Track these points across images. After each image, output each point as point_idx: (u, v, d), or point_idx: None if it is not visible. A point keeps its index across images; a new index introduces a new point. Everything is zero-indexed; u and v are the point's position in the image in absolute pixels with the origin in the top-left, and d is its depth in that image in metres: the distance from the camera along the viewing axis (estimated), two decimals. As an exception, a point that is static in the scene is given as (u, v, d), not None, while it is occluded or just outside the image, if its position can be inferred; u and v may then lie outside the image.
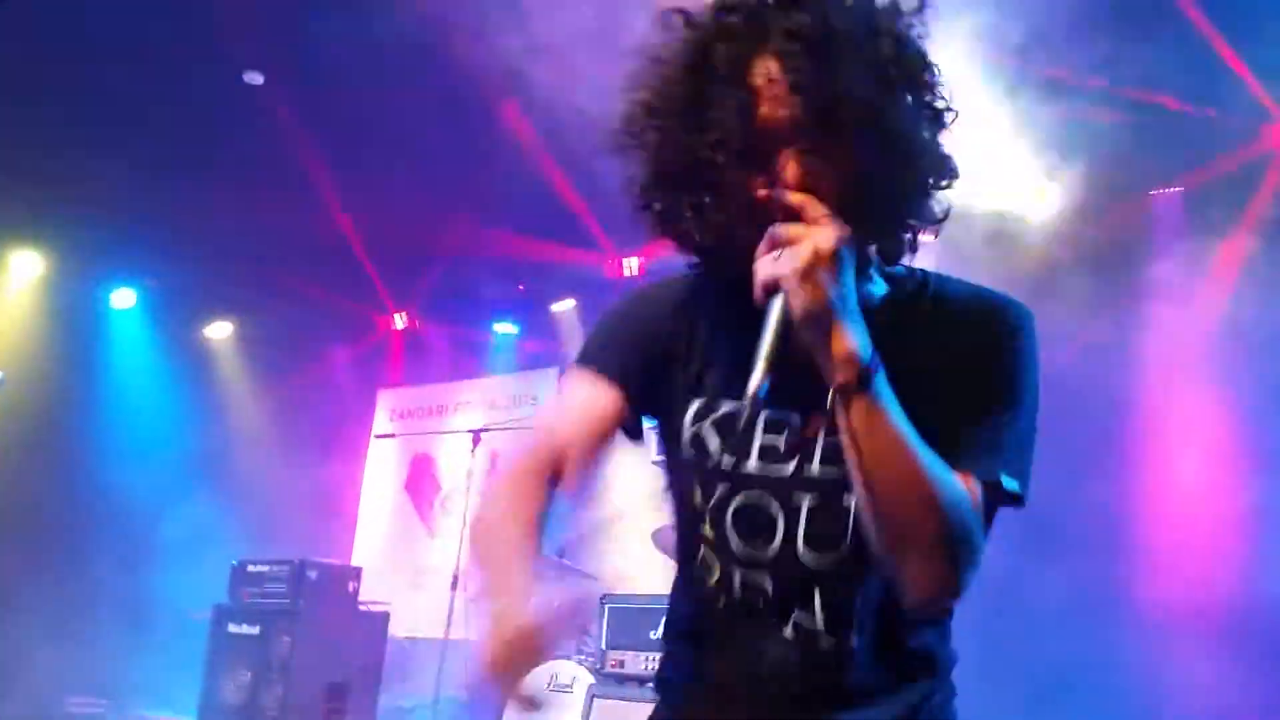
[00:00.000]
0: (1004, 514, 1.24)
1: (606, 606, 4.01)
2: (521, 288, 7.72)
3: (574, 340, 7.37)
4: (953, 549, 1.12)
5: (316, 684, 4.61)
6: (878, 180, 1.14)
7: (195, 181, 6.13)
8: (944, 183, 1.19)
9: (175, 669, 5.85)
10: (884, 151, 1.13)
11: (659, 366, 1.34)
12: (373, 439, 8.37)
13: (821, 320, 1.08)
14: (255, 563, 4.99)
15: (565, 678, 4.89)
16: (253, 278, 7.42)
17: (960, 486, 1.14)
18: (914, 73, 1.16)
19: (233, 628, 4.82)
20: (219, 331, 8.40)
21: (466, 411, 7.83)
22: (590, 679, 4.54)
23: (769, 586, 1.25)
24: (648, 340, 1.36)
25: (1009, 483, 1.18)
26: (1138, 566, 4.50)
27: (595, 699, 3.85)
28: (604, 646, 3.97)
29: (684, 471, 1.33)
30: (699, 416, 1.31)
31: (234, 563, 5.06)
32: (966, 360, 1.21)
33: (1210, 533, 4.44)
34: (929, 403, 1.15)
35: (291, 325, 8.08)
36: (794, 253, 1.07)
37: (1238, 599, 4.21)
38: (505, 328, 7.90)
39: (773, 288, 1.09)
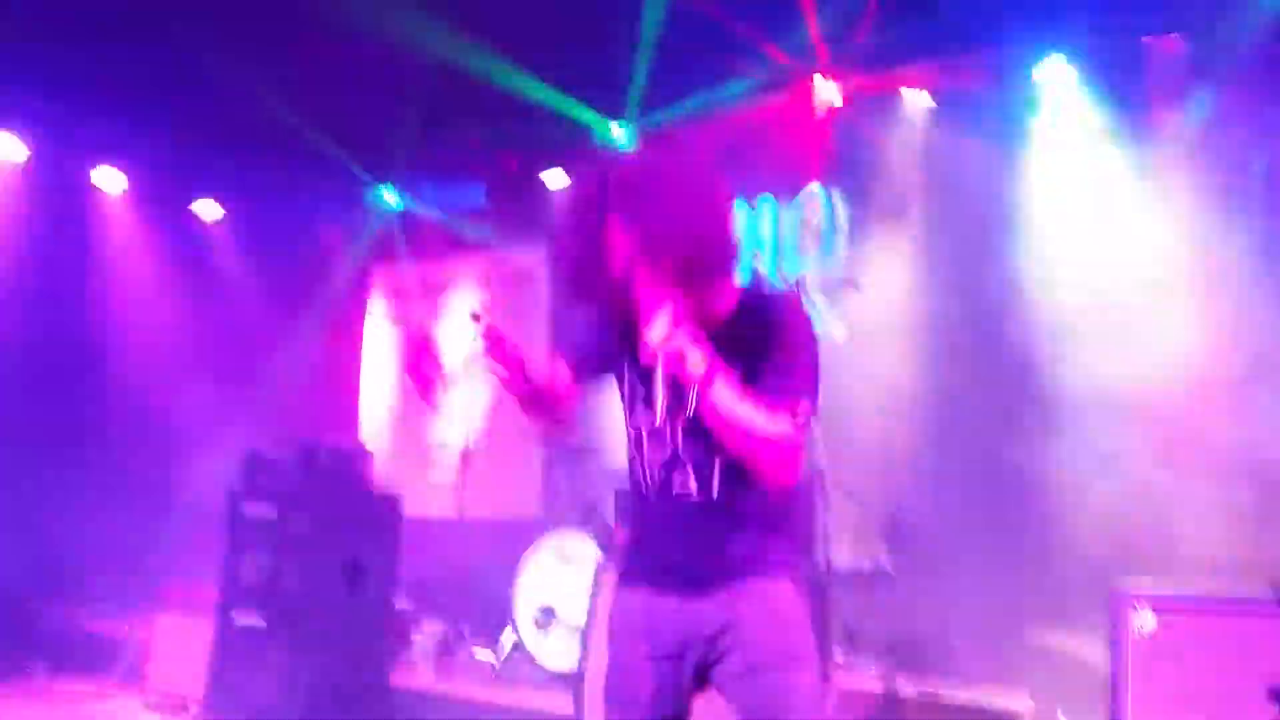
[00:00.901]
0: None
1: (615, 490, 4.14)
2: (513, 164, 7.61)
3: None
4: (774, 454, 2.02)
5: (334, 562, 4.77)
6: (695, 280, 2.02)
7: (177, 53, 5.97)
8: (730, 262, 2.11)
9: (196, 551, 6.05)
10: (695, 270, 2.00)
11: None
12: (371, 318, 8.40)
13: (676, 359, 1.94)
14: (267, 445, 5.10)
15: (573, 552, 5.11)
16: (242, 157, 7.30)
17: (771, 418, 1.99)
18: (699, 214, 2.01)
19: (248, 510, 4.95)
20: (209, 212, 8.30)
21: (462, 290, 7.84)
22: (598, 554, 4.74)
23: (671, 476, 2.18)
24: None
25: (801, 407, 2.02)
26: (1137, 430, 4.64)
27: (605, 572, 4.01)
28: (613, 521, 4.11)
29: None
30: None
31: (246, 449, 5.16)
32: (767, 340, 2.07)
33: (1205, 396, 4.55)
34: (756, 368, 2.03)
35: (283, 203, 7.99)
36: (656, 331, 1.92)
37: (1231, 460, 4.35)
38: (495, 201, 7.80)
39: (654, 349, 1.94)
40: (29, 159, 7.14)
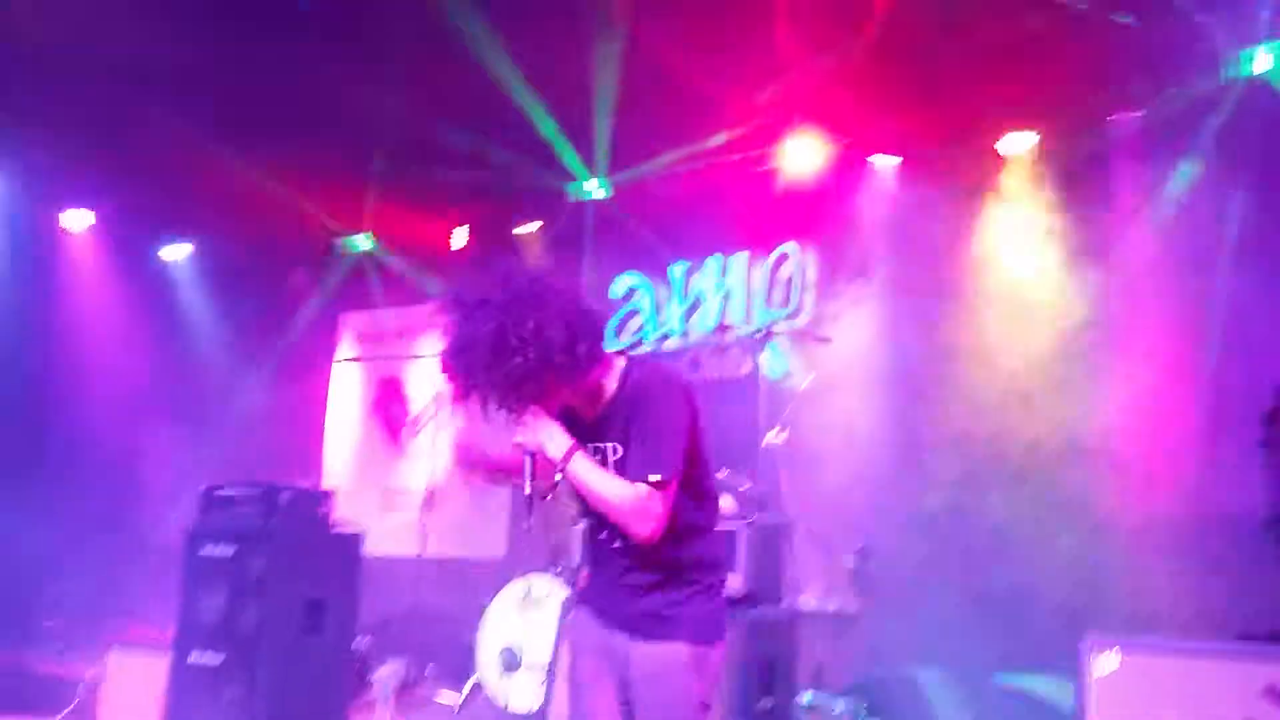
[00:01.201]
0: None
1: (580, 525, 4.13)
2: (483, 211, 7.69)
3: (537, 263, 7.38)
4: (630, 521, 2.33)
5: (294, 602, 4.70)
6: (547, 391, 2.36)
7: (147, 103, 6.01)
8: (580, 363, 2.33)
9: (151, 594, 5.93)
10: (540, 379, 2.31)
11: None
12: (337, 363, 8.37)
13: (539, 451, 2.37)
14: (226, 486, 5.02)
15: (540, 592, 5.09)
16: (210, 199, 7.31)
17: (626, 490, 2.32)
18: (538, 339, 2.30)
19: (206, 550, 4.87)
20: (176, 253, 8.28)
21: (432, 335, 7.84)
22: (564, 593, 4.72)
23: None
24: None
25: (652, 477, 2.31)
26: (1099, 479, 4.73)
27: (570, 612, 3.99)
28: (577, 563, 4.10)
29: None
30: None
31: (203, 487, 5.08)
32: (635, 417, 2.38)
33: (1167, 448, 4.67)
34: (626, 443, 2.38)
35: (250, 247, 7.99)
36: (519, 434, 2.38)
37: (1193, 510, 4.44)
38: (467, 248, 7.86)
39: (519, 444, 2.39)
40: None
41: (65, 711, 5.61)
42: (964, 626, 4.52)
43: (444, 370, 2.35)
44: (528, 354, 2.26)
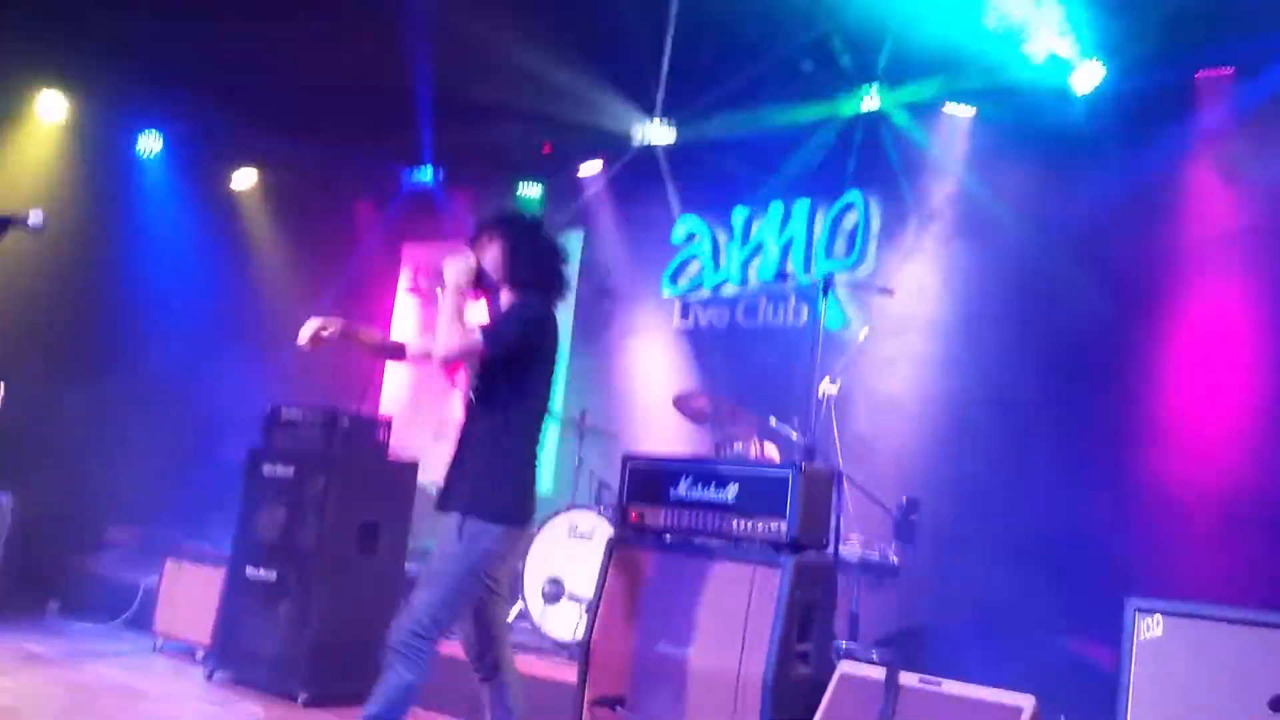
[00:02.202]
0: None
1: (627, 465, 4.17)
2: (548, 150, 7.69)
3: (600, 203, 7.38)
4: (442, 339, 3.12)
5: (350, 524, 4.83)
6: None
7: (223, 23, 6.08)
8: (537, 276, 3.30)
9: (213, 509, 6.14)
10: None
11: None
12: (400, 293, 8.49)
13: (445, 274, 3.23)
14: (289, 408, 5.16)
15: (585, 527, 5.17)
16: (279, 126, 7.40)
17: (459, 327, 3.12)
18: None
19: (267, 469, 5.02)
20: (245, 179, 8.42)
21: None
22: (609, 530, 4.79)
23: None
24: None
25: (481, 333, 3.12)
26: (1154, 441, 4.65)
27: (614, 548, 4.05)
28: (624, 501, 4.14)
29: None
30: None
31: (267, 409, 5.22)
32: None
33: (1224, 412, 4.57)
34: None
35: (317, 176, 8.09)
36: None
37: (1249, 477, 4.36)
38: (530, 189, 7.89)
39: None
40: (70, 118, 7.26)
41: (124, 615, 5.89)
42: (1007, 584, 4.51)
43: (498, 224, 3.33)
44: (525, 261, 3.28)
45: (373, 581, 4.89)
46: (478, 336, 3.13)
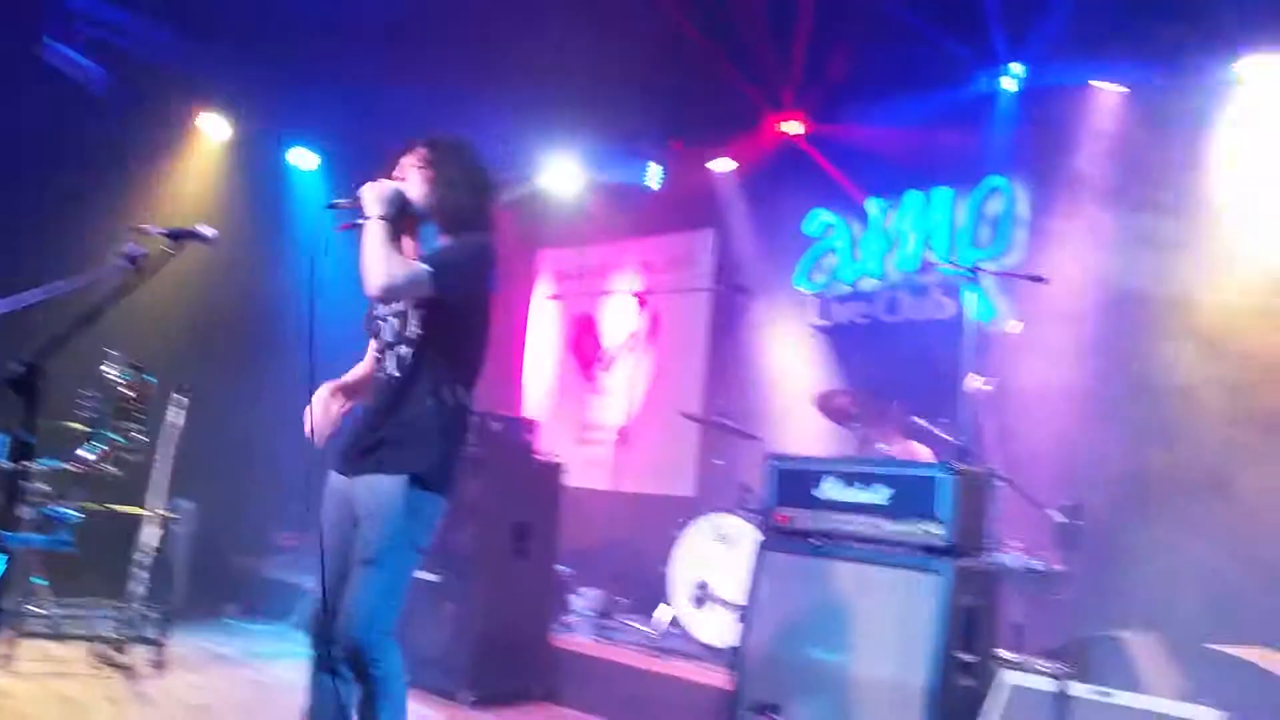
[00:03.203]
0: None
1: (773, 466, 4.15)
2: (678, 146, 7.70)
3: (731, 200, 7.36)
4: (372, 261, 2.69)
5: (502, 526, 4.98)
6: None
7: (367, 46, 6.32)
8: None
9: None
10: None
11: None
12: (535, 300, 8.67)
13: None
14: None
15: (730, 530, 5.17)
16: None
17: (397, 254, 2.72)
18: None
19: (424, 473, 5.21)
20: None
21: (625, 273, 8.00)
22: (754, 533, 4.78)
23: None
24: None
25: (429, 266, 2.71)
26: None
27: (763, 552, 4.04)
28: (770, 504, 4.13)
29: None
30: None
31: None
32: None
33: None
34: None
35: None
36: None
37: None
38: (660, 186, 7.91)
39: None
40: (232, 137, 7.67)
41: (296, 616, 6.21)
42: (1177, 591, 4.29)
43: (424, 146, 2.90)
44: (464, 194, 2.86)
45: (528, 581, 5.02)
46: (422, 270, 2.68)
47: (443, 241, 2.87)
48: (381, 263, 2.65)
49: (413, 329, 2.79)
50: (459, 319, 2.79)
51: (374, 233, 2.69)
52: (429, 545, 2.77)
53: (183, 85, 7.13)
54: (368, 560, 2.64)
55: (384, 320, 2.88)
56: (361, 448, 2.77)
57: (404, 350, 2.81)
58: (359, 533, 2.70)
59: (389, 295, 2.71)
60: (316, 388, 2.88)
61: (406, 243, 2.88)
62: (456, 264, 2.75)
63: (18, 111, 6.32)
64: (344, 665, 2.60)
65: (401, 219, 2.81)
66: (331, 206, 2.88)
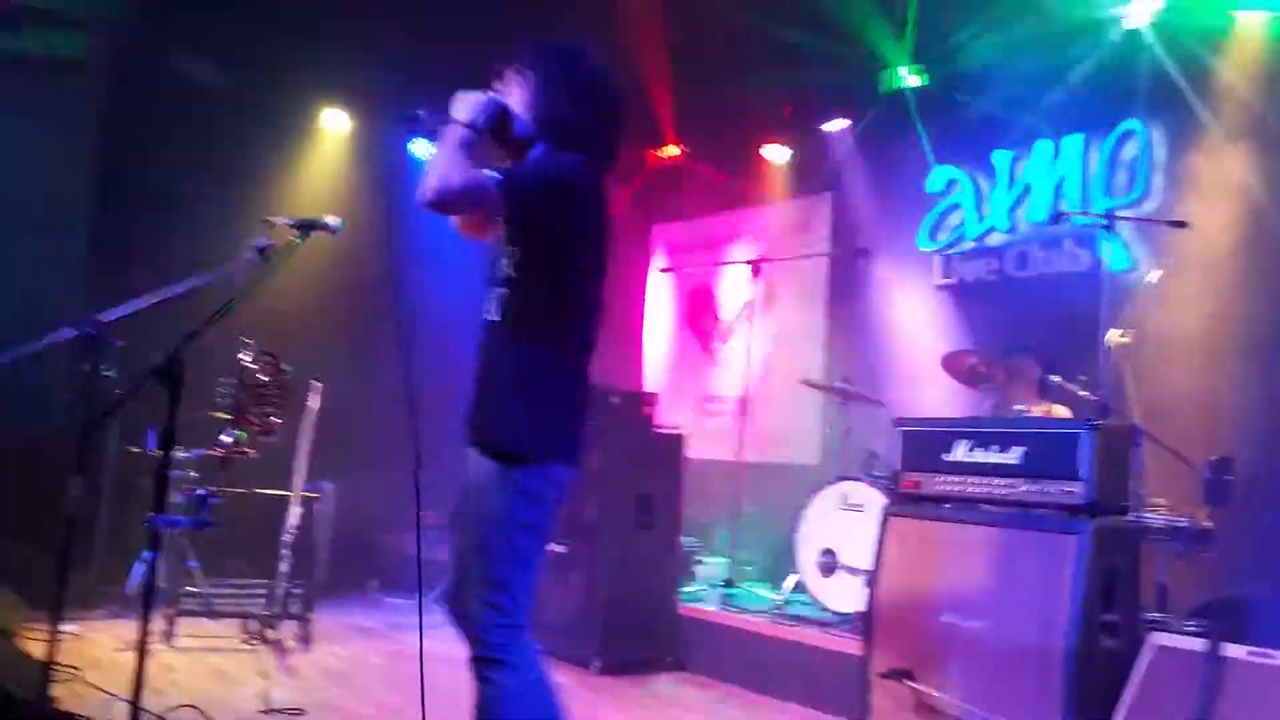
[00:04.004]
0: None
1: (900, 431, 4.04)
2: (789, 111, 7.55)
3: (849, 160, 7.18)
4: (437, 164, 2.27)
5: (626, 497, 5.02)
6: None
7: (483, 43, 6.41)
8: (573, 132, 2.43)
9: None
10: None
11: None
12: (652, 273, 8.67)
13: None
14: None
15: (856, 498, 5.07)
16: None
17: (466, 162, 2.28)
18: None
19: (548, 447, 5.30)
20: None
21: (741, 243, 7.92)
22: (881, 499, 4.68)
23: None
24: None
25: (497, 174, 2.29)
26: None
27: (890, 518, 3.95)
28: (898, 468, 4.02)
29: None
30: None
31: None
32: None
33: None
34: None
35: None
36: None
37: None
38: (775, 153, 7.77)
39: None
40: (352, 130, 7.92)
41: (435, 590, 6.40)
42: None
43: (517, 53, 2.48)
44: (566, 100, 2.41)
45: (652, 551, 5.05)
46: (486, 178, 2.25)
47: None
48: (441, 165, 2.23)
49: (505, 266, 2.38)
50: (551, 255, 2.33)
51: (448, 136, 2.28)
52: (548, 520, 2.39)
53: (305, 82, 7.40)
54: (474, 547, 2.35)
55: (493, 258, 2.45)
56: (467, 413, 2.45)
57: (500, 291, 2.39)
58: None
59: (443, 203, 2.24)
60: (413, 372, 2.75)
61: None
62: (531, 181, 2.33)
63: (149, 114, 6.68)
64: (471, 663, 2.35)
65: (501, 136, 2.41)
66: (409, 118, 2.42)
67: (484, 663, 2.31)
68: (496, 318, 2.41)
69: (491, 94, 2.40)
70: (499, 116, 2.38)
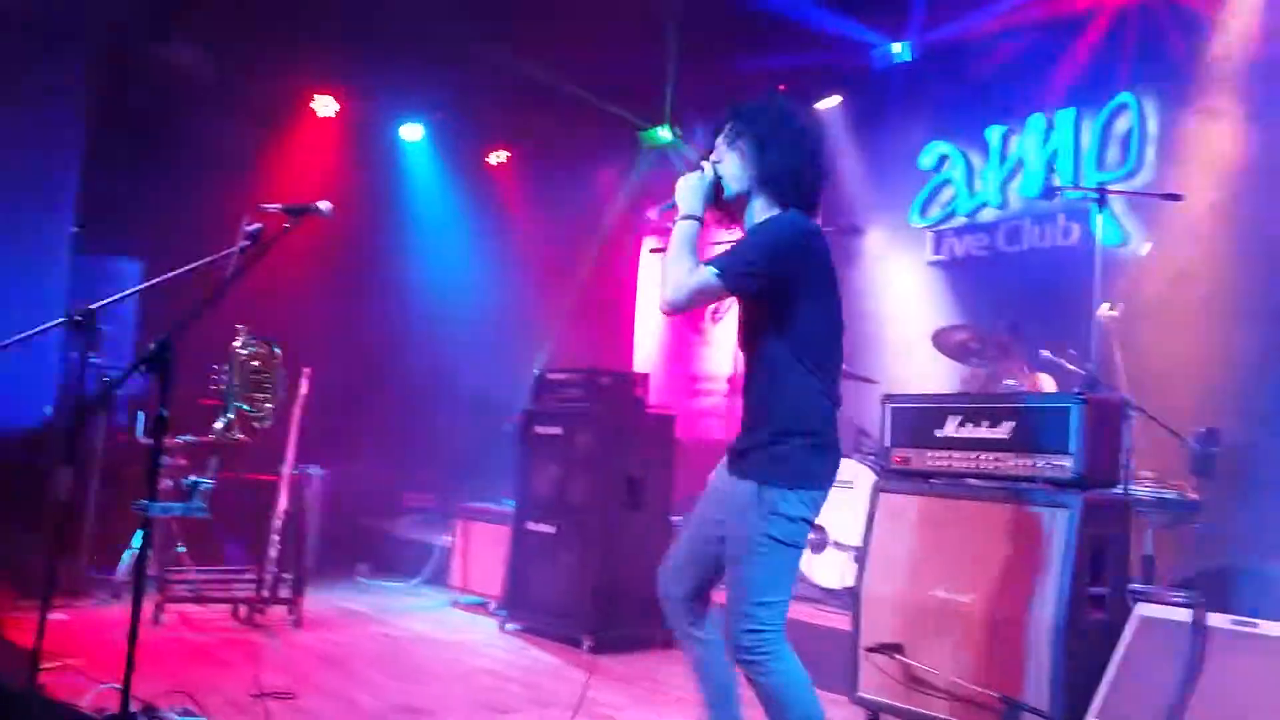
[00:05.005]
0: None
1: (889, 407, 4.02)
2: (783, 88, 7.50)
3: (840, 138, 7.13)
4: (665, 278, 2.49)
5: (616, 477, 5.00)
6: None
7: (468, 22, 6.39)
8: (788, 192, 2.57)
9: (493, 470, 6.54)
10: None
11: None
12: (644, 254, 8.64)
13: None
14: (555, 371, 5.41)
15: (846, 475, 5.05)
16: (524, 107, 7.70)
17: (687, 261, 2.48)
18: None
19: (539, 429, 5.29)
20: (497, 159, 8.83)
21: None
22: (872, 476, 4.66)
23: None
24: None
25: (715, 267, 2.43)
26: None
27: (881, 494, 3.94)
28: (887, 444, 4.00)
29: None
30: None
31: (536, 371, 5.50)
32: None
33: None
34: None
35: (564, 148, 8.34)
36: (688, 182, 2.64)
37: None
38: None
39: None
40: (342, 114, 7.87)
41: (423, 574, 6.44)
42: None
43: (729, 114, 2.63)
44: (776, 155, 2.53)
45: (642, 531, 5.03)
46: (709, 272, 2.42)
47: (762, 214, 2.58)
48: (669, 273, 2.47)
49: (741, 331, 2.64)
50: (776, 304, 2.49)
51: (674, 237, 2.52)
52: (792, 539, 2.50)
53: (293, 67, 7.35)
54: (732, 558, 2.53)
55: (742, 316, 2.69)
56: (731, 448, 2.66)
57: (743, 335, 2.64)
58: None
59: (677, 308, 2.48)
60: None
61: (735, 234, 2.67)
62: (751, 254, 2.46)
63: (139, 104, 6.65)
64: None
65: (723, 205, 2.62)
66: (662, 214, 2.73)
67: (744, 665, 2.53)
68: (744, 353, 2.68)
69: (703, 170, 2.61)
70: (712, 190, 2.60)
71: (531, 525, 5.20)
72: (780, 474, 2.45)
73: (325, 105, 7.81)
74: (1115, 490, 3.67)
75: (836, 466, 2.58)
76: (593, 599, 4.82)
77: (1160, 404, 4.41)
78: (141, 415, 5.03)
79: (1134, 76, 5.62)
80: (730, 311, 7.53)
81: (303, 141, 7.82)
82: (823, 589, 4.94)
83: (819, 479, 2.52)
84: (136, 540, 2.68)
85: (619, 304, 8.65)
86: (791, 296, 2.46)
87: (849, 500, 4.85)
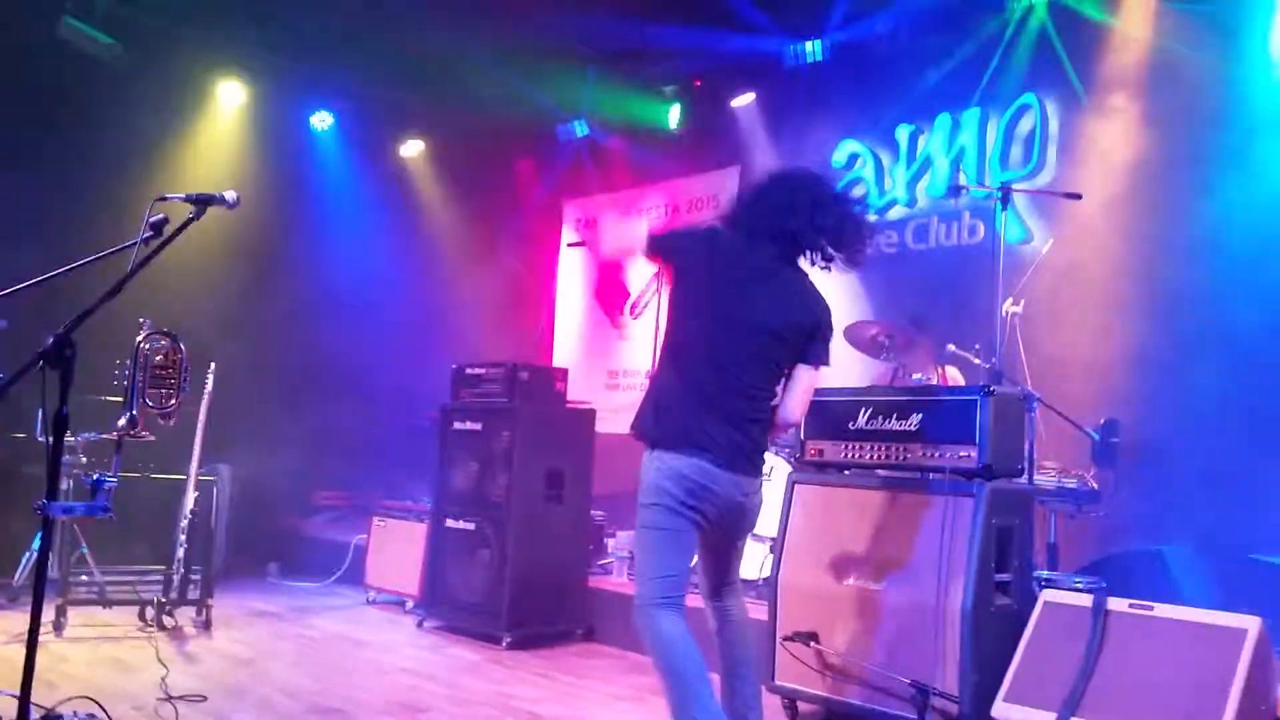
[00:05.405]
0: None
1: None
2: (698, 83, 7.56)
3: (755, 136, 7.22)
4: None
5: (536, 472, 5.00)
6: None
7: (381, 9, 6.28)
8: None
9: (409, 468, 6.47)
10: None
11: None
12: (563, 248, 8.62)
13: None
14: (473, 366, 5.35)
15: (763, 468, 5.13)
16: (439, 97, 7.61)
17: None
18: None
19: (458, 425, 5.24)
20: (411, 149, 8.70)
21: (649, 217, 7.91)
22: (788, 468, 4.74)
23: None
24: None
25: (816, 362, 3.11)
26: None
27: (796, 485, 4.01)
28: (802, 437, 4.08)
29: None
30: None
31: (454, 366, 5.44)
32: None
33: None
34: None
35: (478, 140, 8.26)
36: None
37: None
38: (682, 127, 7.77)
39: None
40: (249, 103, 7.67)
41: (337, 573, 6.32)
42: (1212, 505, 4.20)
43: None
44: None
45: (563, 526, 5.04)
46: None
47: None
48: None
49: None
50: (670, 289, 3.14)
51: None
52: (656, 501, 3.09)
53: (200, 53, 7.13)
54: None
55: None
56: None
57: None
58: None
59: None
60: None
61: None
62: (664, 232, 3.29)
63: (38, 88, 6.37)
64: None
65: None
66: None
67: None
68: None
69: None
70: None
71: (450, 522, 5.16)
72: None
73: (233, 93, 7.60)
74: (1020, 480, 3.80)
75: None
76: (511, 595, 4.81)
77: (1061, 396, 4.59)
78: (40, 413, 4.83)
79: (1037, 78, 5.81)
80: (649, 307, 7.56)
81: (208, 130, 7.59)
82: (741, 579, 4.99)
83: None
84: (36, 542, 2.57)
85: (538, 298, 8.61)
86: (675, 279, 3.16)
87: (766, 492, 4.93)
